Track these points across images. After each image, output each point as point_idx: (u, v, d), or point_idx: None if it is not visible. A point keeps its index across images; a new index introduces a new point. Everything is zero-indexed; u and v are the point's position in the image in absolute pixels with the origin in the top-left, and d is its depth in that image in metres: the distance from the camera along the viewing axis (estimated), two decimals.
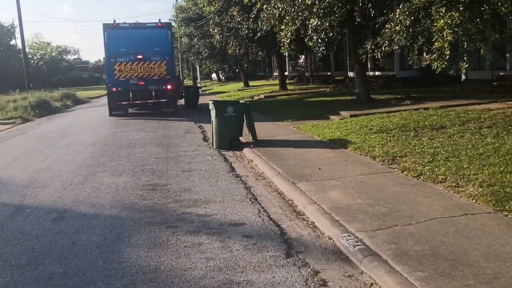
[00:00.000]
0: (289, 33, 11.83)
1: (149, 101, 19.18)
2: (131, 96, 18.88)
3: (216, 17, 21.01)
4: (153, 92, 19.03)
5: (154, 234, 5.31)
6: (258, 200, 6.71)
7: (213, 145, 11.36)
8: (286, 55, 25.23)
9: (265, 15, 12.60)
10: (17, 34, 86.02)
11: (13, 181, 8.24)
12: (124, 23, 19.24)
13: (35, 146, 12.45)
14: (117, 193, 7.14)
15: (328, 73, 33.07)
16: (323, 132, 11.84)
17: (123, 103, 18.85)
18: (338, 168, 8.12)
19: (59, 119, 21.93)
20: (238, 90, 35.38)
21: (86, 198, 6.87)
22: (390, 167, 7.81)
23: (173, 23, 35.73)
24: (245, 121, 11.52)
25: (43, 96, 30.21)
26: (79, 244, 5.05)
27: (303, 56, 44.38)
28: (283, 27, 11.89)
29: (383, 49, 7.66)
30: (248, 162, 9.66)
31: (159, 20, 19.40)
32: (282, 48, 13.41)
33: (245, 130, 11.57)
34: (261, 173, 8.60)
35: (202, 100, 28.46)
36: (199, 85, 35.46)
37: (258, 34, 14.31)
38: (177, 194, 7.02)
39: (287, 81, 30.91)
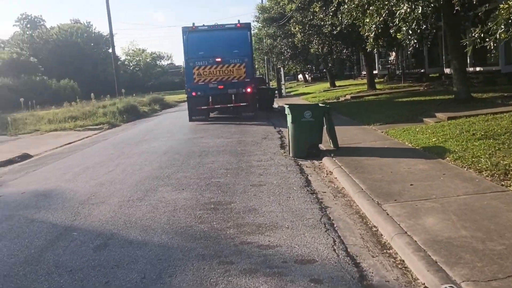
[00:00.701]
0: (374, 26, 10.38)
1: (228, 105, 18.61)
2: (210, 100, 18.43)
3: (298, 14, 19.92)
4: (233, 95, 18.43)
5: (202, 273, 4.36)
6: (335, 225, 5.55)
7: (289, 154, 10.33)
8: (373, 51, 23.34)
9: (346, 6, 11.22)
10: (115, 43, 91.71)
11: (73, 195, 7.81)
12: (203, 25, 18.84)
13: (110, 154, 12.23)
14: (174, 213, 6.34)
15: (421, 70, 30.60)
16: (416, 138, 10.31)
17: (202, 107, 18.45)
18: (435, 184, 6.68)
19: (143, 124, 22.13)
20: (324, 91, 34.01)
21: (139, 219, 6.14)
22: (502, 185, 6.25)
23: (256, 24, 35.29)
24: (325, 126, 10.36)
25: (131, 101, 31.10)
26: (112, 283, 4.25)
27: (393, 53, 41.92)
28: (367, 19, 10.47)
29: (498, 36, 6.00)
30: (327, 174, 8.50)
31: (238, 21, 18.78)
32: (367, 43, 11.96)
33: (325, 136, 10.40)
34: (341, 188, 7.41)
35: (285, 102, 27.58)
36: (283, 86, 34.56)
37: (338, 29, 12.94)
38: (240, 216, 6.06)
39: (377, 80, 29.00)
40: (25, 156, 14.22)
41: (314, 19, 18.55)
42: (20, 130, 22.51)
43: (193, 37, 18.39)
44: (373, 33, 10.89)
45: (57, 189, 8.46)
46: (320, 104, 10.53)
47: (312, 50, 21.07)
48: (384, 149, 9.83)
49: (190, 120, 18.82)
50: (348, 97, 24.98)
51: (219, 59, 18.20)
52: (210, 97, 18.43)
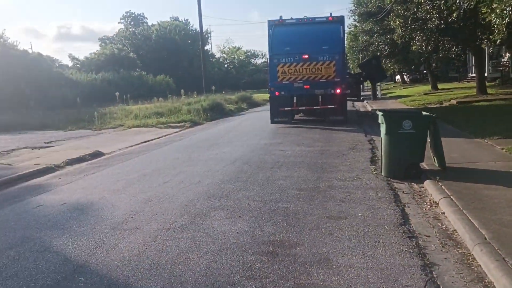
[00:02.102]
0: (509, 9, 7.93)
1: (314, 107, 16.77)
2: (295, 101, 16.72)
3: (399, 7, 17.46)
4: (320, 97, 16.56)
5: None
6: None
7: (381, 172, 8.34)
8: (486, 50, 19.99)
9: None
10: (210, 40, 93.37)
11: (110, 214, 6.52)
12: (291, 18, 17.11)
13: (175, 159, 10.99)
14: (218, 255, 4.74)
15: None
16: None
17: (286, 109, 16.77)
18: None
19: (225, 124, 21.00)
20: (424, 94, 30.77)
21: (170, 263, 4.61)
22: None
23: (351, 20, 32.86)
24: (428, 140, 8.23)
25: (217, 99, 30.27)
26: None
27: (507, 54, 37.15)
28: (495, 3, 8.04)
29: None
30: (431, 205, 6.45)
31: (330, 14, 16.80)
32: (495, 34, 9.48)
33: (428, 152, 8.28)
34: (452, 231, 5.39)
35: (380, 105, 25.08)
36: (378, 88, 31.80)
37: (455, 15, 10.49)
38: (305, 271, 4.31)
39: (487, 84, 25.36)
40: (96, 154, 13.53)
41: (419, 11, 16.03)
42: (105, 125, 22.44)
43: (279, 31, 16.76)
44: (506, 20, 8.44)
45: (99, 202, 7.26)
46: (424, 113, 8.38)
47: (414, 47, 18.42)
48: (508, 175, 7.50)
49: (272, 122, 17.23)
50: (453, 102, 21.93)
51: (306, 56, 16.41)
52: (295, 98, 16.71)
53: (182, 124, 21.85)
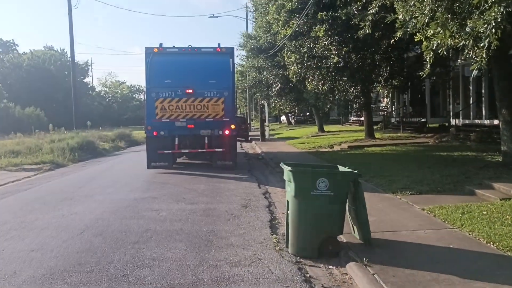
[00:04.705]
0: (447, 41, 6.30)
1: (200, 150, 14.36)
2: (177, 143, 14.14)
3: (294, 41, 15.99)
4: (206, 138, 14.22)
5: None
6: None
7: (286, 246, 6.13)
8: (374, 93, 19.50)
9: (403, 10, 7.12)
10: (91, 72, 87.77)
11: None
12: (173, 47, 14.68)
13: (1, 225, 7.75)
14: None
15: (422, 120, 27.12)
16: (494, 230, 6.30)
17: (165, 152, 14.11)
18: None
19: (93, 167, 17.66)
20: (312, 136, 30.13)
21: None
22: None
23: (238, 59, 31.57)
24: (347, 204, 6.22)
25: (89, 136, 26.60)
26: None
27: (385, 99, 38.53)
28: (433, 30, 6.41)
29: None
30: None
31: (219, 44, 14.70)
32: (425, 69, 7.96)
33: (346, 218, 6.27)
34: None
35: (269, 147, 23.54)
36: (266, 128, 30.51)
37: (394, 40, 8.82)
38: None
39: None
40: None
41: (316, 47, 14.63)
42: None
43: (159, 60, 14.21)
44: (435, 53, 6.89)
45: None
46: (342, 168, 6.40)
47: (309, 86, 17.04)
48: (450, 252, 5.69)
49: (149, 167, 14.34)
50: (344, 146, 20.99)
51: (190, 91, 14.03)
52: (177, 139, 14.14)
53: (40, 166, 18.06)
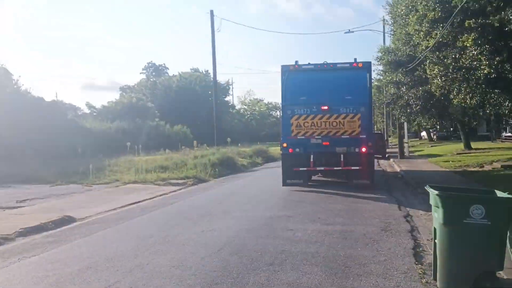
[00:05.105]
0: None
1: (335, 168, 14.02)
2: (312, 160, 14.00)
3: (437, 52, 14.91)
4: (342, 156, 13.85)
5: None
6: None
7: (434, 279, 5.52)
8: None
9: None
10: (232, 91, 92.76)
11: None
12: (308, 64, 14.69)
13: (147, 238, 8.25)
14: None
15: None
16: None
17: (301, 169, 14.05)
18: None
19: (232, 183, 18.36)
20: (458, 154, 27.74)
21: None
22: None
23: (374, 73, 30.57)
24: (508, 236, 5.40)
25: (229, 153, 27.83)
26: None
27: None
28: None
29: None
30: None
31: (355, 59, 14.33)
32: None
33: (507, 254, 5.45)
34: None
35: (409, 165, 22.19)
36: (406, 145, 28.97)
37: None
38: None
39: None
40: (63, 221, 10.93)
41: (462, 57, 13.44)
42: (99, 179, 19.99)
43: (294, 78, 14.31)
44: None
45: None
46: (500, 193, 5.61)
47: (455, 100, 15.70)
48: None
49: (284, 184, 14.41)
50: (497, 165, 18.94)
51: (325, 107, 13.86)
52: (312, 156, 14.01)
53: (185, 181, 19.30)
